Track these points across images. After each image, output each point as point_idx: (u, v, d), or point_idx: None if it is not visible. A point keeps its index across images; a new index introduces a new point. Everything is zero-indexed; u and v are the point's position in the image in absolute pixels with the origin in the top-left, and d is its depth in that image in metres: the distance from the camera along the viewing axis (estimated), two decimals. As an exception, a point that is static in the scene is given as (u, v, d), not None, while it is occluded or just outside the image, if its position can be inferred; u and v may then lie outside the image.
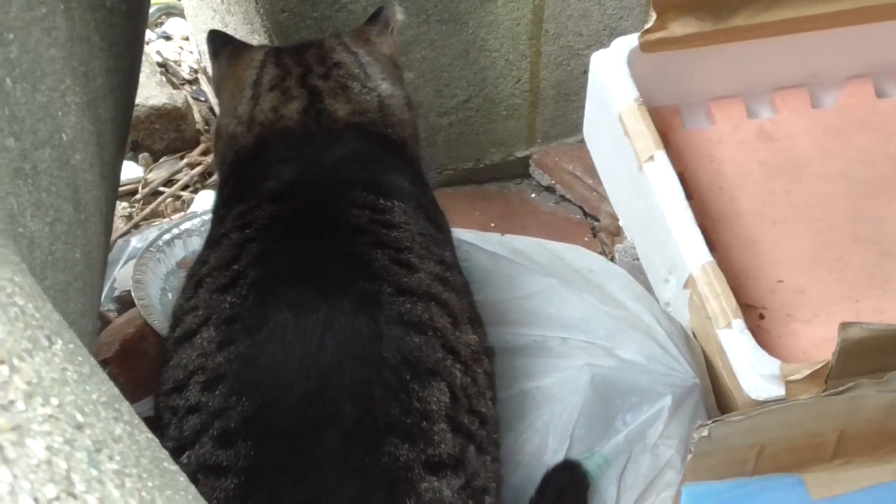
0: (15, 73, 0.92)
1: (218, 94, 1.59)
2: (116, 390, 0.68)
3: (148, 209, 2.32)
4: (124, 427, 0.62)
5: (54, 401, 0.56)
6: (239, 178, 1.46)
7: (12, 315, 0.59)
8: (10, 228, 0.84)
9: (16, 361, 0.56)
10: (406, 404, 1.10)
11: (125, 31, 1.33)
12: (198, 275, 1.27)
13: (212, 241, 1.33)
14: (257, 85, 1.50)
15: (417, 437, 1.08)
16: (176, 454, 1.07)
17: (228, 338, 1.14)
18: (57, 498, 0.51)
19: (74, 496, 0.52)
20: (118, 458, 0.57)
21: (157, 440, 0.68)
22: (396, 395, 1.10)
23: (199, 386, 1.13)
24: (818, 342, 1.56)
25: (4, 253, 0.68)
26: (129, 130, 1.49)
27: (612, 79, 1.68)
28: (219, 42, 1.60)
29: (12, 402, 0.53)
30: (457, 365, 1.18)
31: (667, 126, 1.78)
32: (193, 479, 0.96)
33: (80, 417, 0.57)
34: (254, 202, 1.33)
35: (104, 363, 1.62)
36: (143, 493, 0.56)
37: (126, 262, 1.97)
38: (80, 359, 0.64)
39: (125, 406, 0.66)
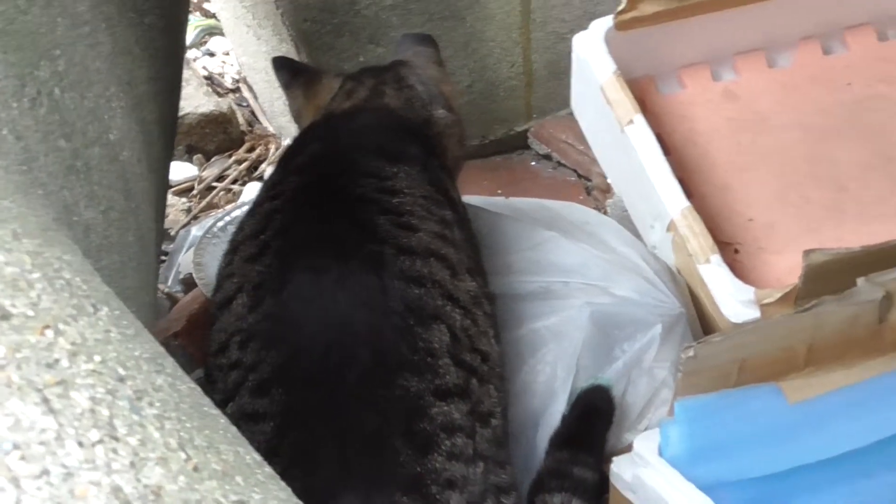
0: (63, 83, 0.91)
1: (298, 121, 1.58)
2: (161, 349, 0.66)
3: (204, 202, 2.32)
4: (166, 378, 0.60)
5: (97, 358, 0.55)
6: (282, 155, 1.49)
7: (58, 286, 0.58)
8: (65, 217, 0.83)
9: (60, 326, 0.54)
10: (412, 344, 1.10)
11: (165, 44, 1.31)
12: (236, 241, 1.30)
13: (251, 209, 1.34)
14: (333, 99, 1.49)
15: (425, 371, 1.09)
16: (222, 405, 1.07)
17: (257, 301, 1.16)
18: (100, 441, 0.49)
19: (117, 439, 0.50)
20: (158, 404, 0.56)
21: (199, 389, 0.66)
22: (403, 337, 1.10)
23: (236, 345, 1.14)
24: (788, 270, 1.53)
25: (56, 235, 0.67)
26: (175, 129, 1.49)
27: (592, 56, 1.65)
28: (287, 73, 1.58)
29: (57, 361, 0.52)
30: (457, 310, 1.18)
31: (644, 93, 1.76)
32: (236, 427, 0.95)
33: (121, 371, 0.55)
34: (283, 174, 1.35)
35: (174, 336, 1.63)
36: (182, 433, 0.55)
37: (188, 249, 1.98)
38: (125, 322, 0.63)
39: (169, 361, 0.65)
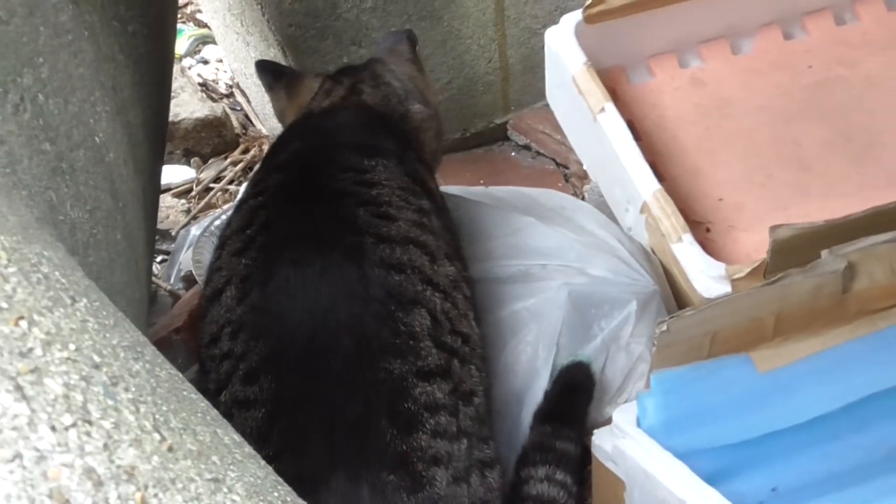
0: (47, 89, 0.90)
1: (281, 121, 1.57)
2: (143, 338, 0.65)
3: (202, 203, 2.31)
4: (144, 365, 0.59)
5: (72, 346, 0.54)
6: (266, 154, 1.48)
7: (34, 280, 0.57)
8: (51, 217, 0.82)
9: (35, 317, 0.54)
10: (394, 329, 1.10)
11: (150, 51, 1.30)
12: (223, 236, 1.30)
13: (238, 206, 1.34)
14: (313, 99, 1.48)
15: (407, 354, 1.09)
16: (215, 395, 1.09)
17: (244, 294, 1.15)
18: (73, 425, 0.49)
19: (90, 422, 0.50)
20: (134, 389, 0.55)
21: (180, 375, 0.65)
22: (385, 322, 1.10)
23: (227, 336, 1.14)
24: (757, 246, 1.53)
25: (37, 233, 0.66)
26: (165, 132, 1.47)
27: (563, 49, 1.65)
28: (270, 76, 1.57)
29: (31, 350, 0.51)
30: (436, 294, 1.18)
31: (615, 83, 1.75)
32: (229, 414, 0.95)
33: (97, 358, 0.55)
34: (266, 171, 1.35)
35: (176, 331, 1.62)
36: (157, 416, 0.54)
37: (188, 248, 1.97)
38: (104, 313, 0.62)
39: (149, 349, 0.64)
